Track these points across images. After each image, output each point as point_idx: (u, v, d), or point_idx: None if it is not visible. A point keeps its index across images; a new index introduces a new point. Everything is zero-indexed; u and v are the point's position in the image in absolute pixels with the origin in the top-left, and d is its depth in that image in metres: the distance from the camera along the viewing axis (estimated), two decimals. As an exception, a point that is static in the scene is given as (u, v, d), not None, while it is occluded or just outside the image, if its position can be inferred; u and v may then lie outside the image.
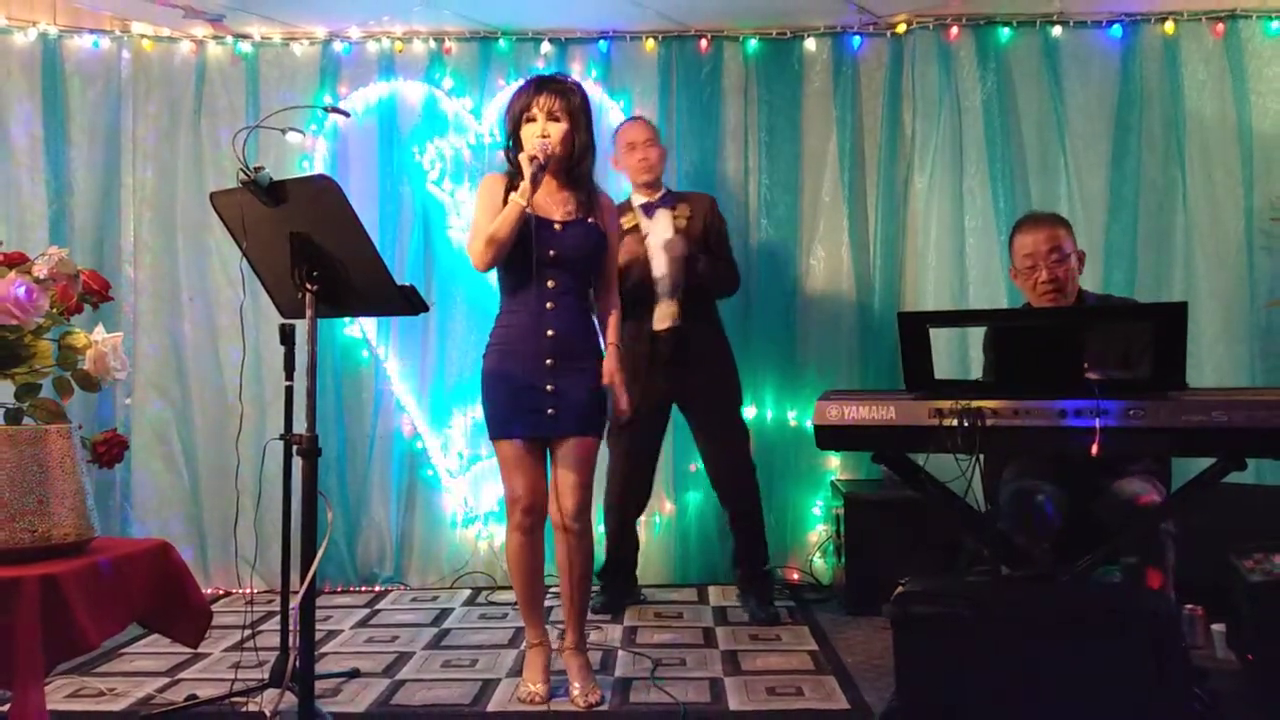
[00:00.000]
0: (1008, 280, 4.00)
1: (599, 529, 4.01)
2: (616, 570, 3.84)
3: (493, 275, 2.81)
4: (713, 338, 3.70)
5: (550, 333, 2.69)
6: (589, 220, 2.75)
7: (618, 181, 4.22)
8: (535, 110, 2.69)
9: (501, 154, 2.82)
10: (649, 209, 3.66)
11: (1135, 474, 2.79)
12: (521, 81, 2.85)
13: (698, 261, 3.54)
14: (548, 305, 2.70)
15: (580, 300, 2.78)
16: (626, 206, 3.69)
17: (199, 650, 2.95)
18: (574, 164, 2.73)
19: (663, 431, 3.79)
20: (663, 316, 3.58)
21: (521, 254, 2.64)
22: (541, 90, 2.70)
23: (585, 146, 2.74)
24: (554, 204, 2.74)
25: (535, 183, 2.62)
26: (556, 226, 2.71)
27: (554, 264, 2.70)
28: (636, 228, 3.64)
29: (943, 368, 3.73)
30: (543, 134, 2.67)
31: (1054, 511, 2.76)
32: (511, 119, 2.75)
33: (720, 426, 3.67)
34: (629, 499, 3.78)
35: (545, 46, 4.23)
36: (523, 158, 2.64)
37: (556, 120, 2.68)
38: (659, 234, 3.60)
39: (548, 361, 2.69)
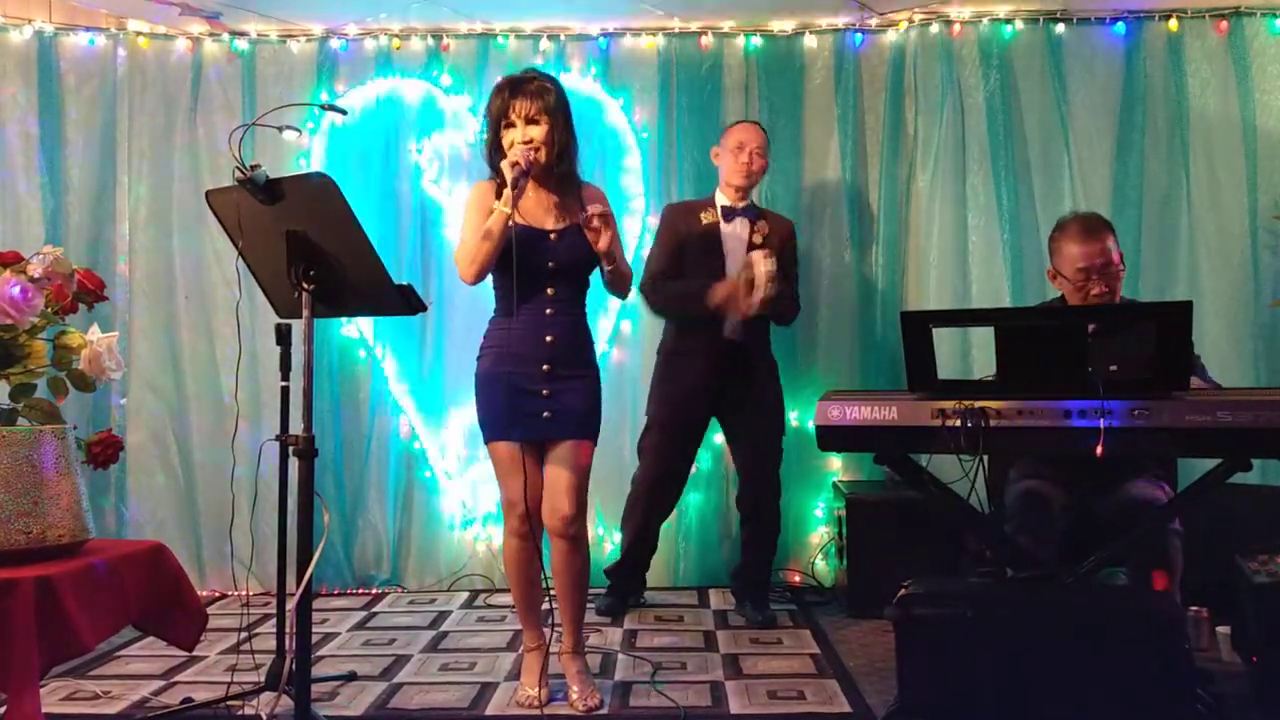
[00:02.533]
0: (1011, 279, 4.00)
1: (596, 530, 4.01)
2: (629, 571, 3.80)
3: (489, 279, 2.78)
4: (768, 359, 3.66)
5: (550, 338, 2.67)
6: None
7: (622, 177, 4.21)
8: (512, 115, 2.64)
9: (486, 155, 2.76)
10: (730, 213, 3.59)
11: (1142, 475, 2.77)
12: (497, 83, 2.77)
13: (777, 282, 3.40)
14: (547, 311, 2.68)
15: (578, 307, 2.76)
16: (708, 203, 3.64)
17: (195, 653, 2.92)
18: (558, 164, 2.69)
19: (700, 440, 3.74)
20: (730, 327, 3.48)
21: (518, 267, 2.57)
22: (516, 94, 2.64)
23: (566, 144, 2.69)
24: (545, 212, 2.71)
25: (519, 190, 2.58)
26: (552, 236, 2.68)
27: (553, 274, 2.68)
28: (715, 227, 3.57)
29: (946, 368, 3.71)
30: (524, 140, 2.63)
31: (1061, 513, 2.75)
32: (491, 124, 2.70)
33: (763, 449, 3.63)
34: (655, 503, 3.72)
35: (544, 44, 4.21)
36: (504, 165, 2.60)
37: (535, 123, 2.64)
38: (739, 241, 3.54)
39: (545, 367, 2.66)
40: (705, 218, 3.59)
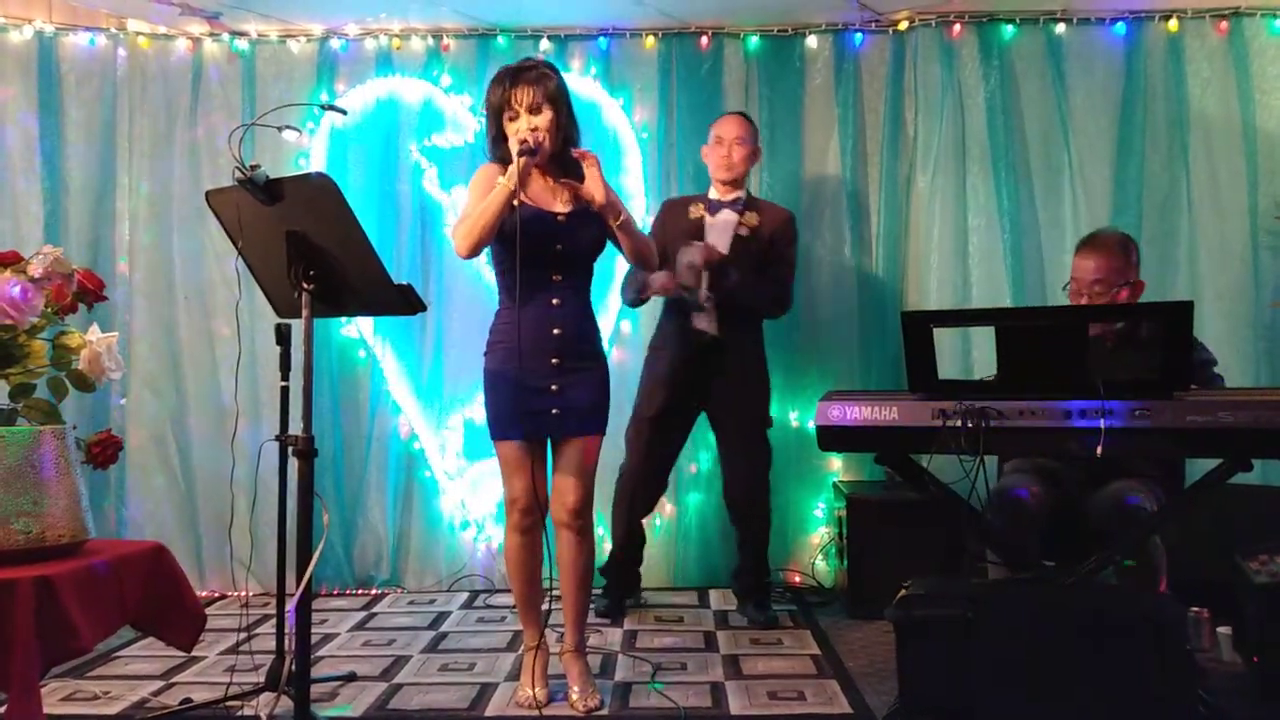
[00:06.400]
0: (1011, 279, 4.00)
1: (597, 529, 3.99)
2: (621, 569, 3.80)
3: (489, 271, 2.77)
4: (751, 352, 3.64)
5: (556, 330, 2.65)
6: (591, 209, 2.68)
7: (622, 177, 4.20)
8: (515, 105, 2.62)
9: (489, 148, 2.75)
10: (716, 206, 3.62)
11: (1129, 476, 2.73)
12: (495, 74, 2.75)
13: (728, 275, 3.45)
14: (553, 301, 2.66)
15: (584, 296, 2.74)
16: (701, 198, 3.68)
17: (194, 654, 2.92)
18: (563, 150, 2.67)
19: (686, 434, 3.75)
20: (700, 318, 3.54)
21: (523, 250, 2.54)
22: (517, 83, 2.62)
23: (570, 130, 2.68)
24: (553, 195, 2.69)
25: (525, 170, 2.55)
26: (560, 219, 2.65)
27: (560, 259, 2.65)
28: (700, 221, 3.60)
29: (946, 368, 3.70)
30: (530, 128, 2.61)
31: (1034, 506, 2.71)
32: (493, 115, 2.68)
33: (745, 443, 3.63)
34: (640, 498, 3.74)
35: (544, 44, 4.20)
36: (511, 143, 2.58)
37: (538, 111, 2.62)
38: (724, 233, 3.56)
39: (554, 361, 2.65)
40: (693, 212, 3.63)
